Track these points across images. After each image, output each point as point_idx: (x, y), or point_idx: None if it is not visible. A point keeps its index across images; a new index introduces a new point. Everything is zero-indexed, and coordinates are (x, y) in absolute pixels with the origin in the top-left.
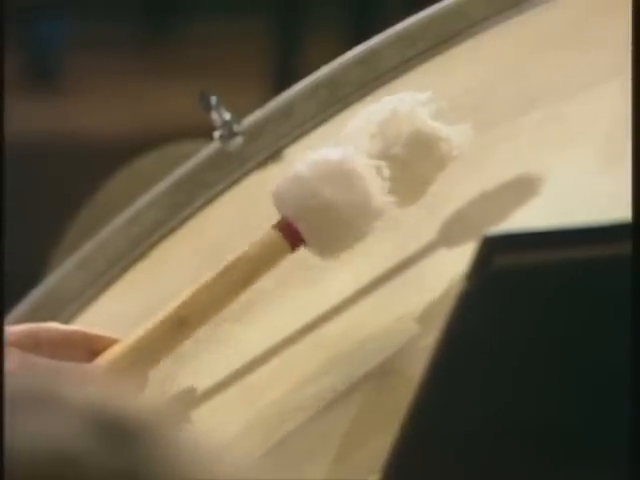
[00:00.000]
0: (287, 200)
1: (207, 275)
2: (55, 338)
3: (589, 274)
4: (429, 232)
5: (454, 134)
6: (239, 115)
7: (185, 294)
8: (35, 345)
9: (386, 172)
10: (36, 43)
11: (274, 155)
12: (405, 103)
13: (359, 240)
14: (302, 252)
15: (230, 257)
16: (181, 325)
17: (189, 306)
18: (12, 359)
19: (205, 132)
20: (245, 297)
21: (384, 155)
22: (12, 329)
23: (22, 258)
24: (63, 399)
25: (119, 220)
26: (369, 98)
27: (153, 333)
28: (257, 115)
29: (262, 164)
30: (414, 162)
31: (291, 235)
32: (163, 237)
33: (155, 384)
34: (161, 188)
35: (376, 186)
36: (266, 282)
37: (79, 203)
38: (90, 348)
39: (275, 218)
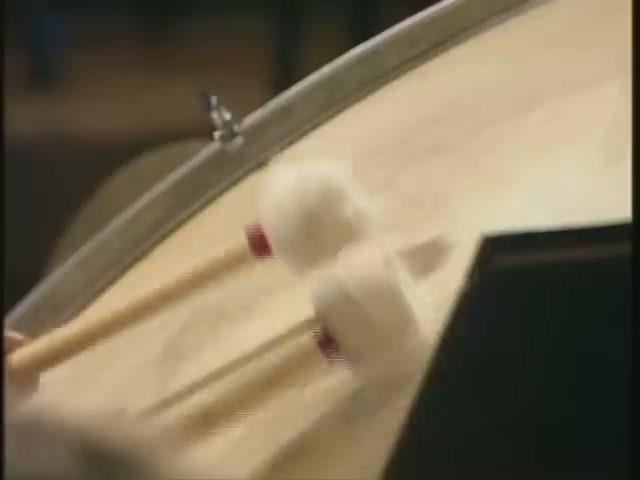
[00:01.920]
0: (331, 315)
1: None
2: None
3: (589, 274)
4: (429, 232)
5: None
6: (239, 115)
7: (211, 386)
8: None
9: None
10: (36, 43)
11: (274, 155)
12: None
13: (398, 356)
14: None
15: (268, 366)
16: (205, 418)
17: (216, 403)
18: None
19: (205, 132)
20: (245, 297)
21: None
22: None
23: (22, 258)
24: (51, 429)
25: (119, 220)
26: (369, 98)
27: (176, 422)
28: (257, 115)
29: (262, 164)
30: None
31: (329, 349)
32: (163, 237)
33: (155, 384)
34: (161, 188)
35: (418, 308)
36: (266, 281)
37: (79, 203)
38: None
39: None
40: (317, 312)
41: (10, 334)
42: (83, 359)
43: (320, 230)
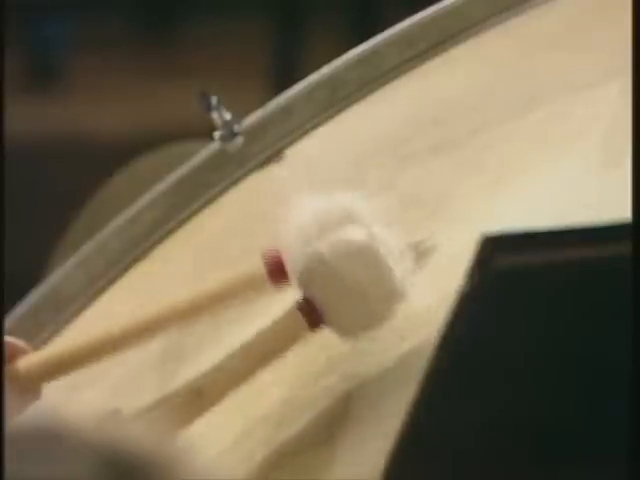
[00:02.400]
0: (311, 281)
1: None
2: None
3: (589, 274)
4: (429, 232)
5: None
6: (239, 115)
7: (204, 368)
8: None
9: (410, 256)
10: (36, 43)
11: (274, 155)
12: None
13: (381, 323)
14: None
15: (255, 340)
16: (197, 397)
17: (206, 380)
18: None
19: (205, 132)
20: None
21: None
22: None
23: (22, 258)
24: (72, 440)
25: (119, 220)
26: (369, 98)
27: (169, 403)
28: (257, 115)
29: (262, 164)
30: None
31: (312, 315)
32: (163, 237)
33: (154, 385)
34: (161, 188)
35: (399, 269)
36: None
37: (79, 203)
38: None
39: (274, 219)
40: (297, 280)
41: (14, 341)
42: None
43: (374, 297)
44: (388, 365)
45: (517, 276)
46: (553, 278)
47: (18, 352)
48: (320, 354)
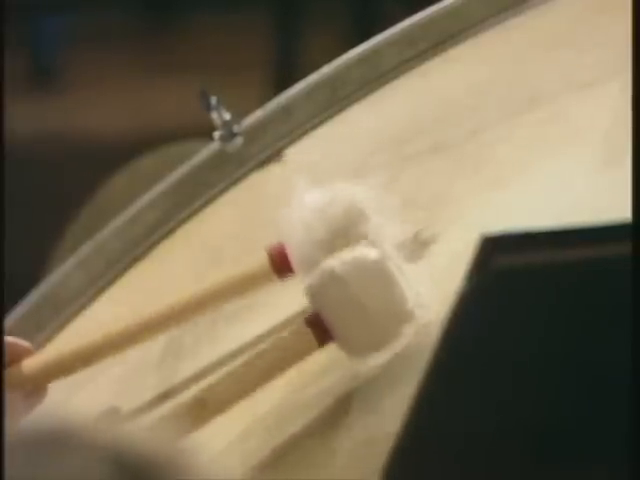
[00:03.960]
0: (322, 297)
1: (234, 363)
2: None
3: (589, 274)
4: (429, 232)
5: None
6: (239, 115)
7: (209, 379)
8: None
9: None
10: (36, 43)
11: (274, 155)
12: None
13: (389, 343)
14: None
15: (260, 347)
16: (201, 407)
17: (210, 390)
18: None
19: (205, 132)
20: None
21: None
22: None
23: (22, 258)
24: (84, 440)
25: (119, 220)
26: (369, 98)
27: (173, 411)
28: (257, 115)
29: (262, 164)
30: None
31: (321, 331)
32: (163, 237)
33: (154, 383)
34: (161, 188)
35: (408, 290)
36: None
37: (79, 203)
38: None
39: (273, 220)
40: (308, 296)
41: (17, 341)
42: None
43: (384, 317)
44: (388, 365)
45: (517, 276)
46: (553, 278)
47: (22, 353)
48: (320, 355)
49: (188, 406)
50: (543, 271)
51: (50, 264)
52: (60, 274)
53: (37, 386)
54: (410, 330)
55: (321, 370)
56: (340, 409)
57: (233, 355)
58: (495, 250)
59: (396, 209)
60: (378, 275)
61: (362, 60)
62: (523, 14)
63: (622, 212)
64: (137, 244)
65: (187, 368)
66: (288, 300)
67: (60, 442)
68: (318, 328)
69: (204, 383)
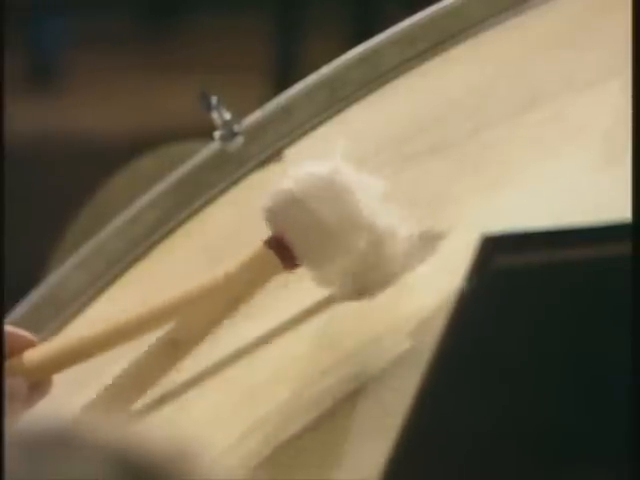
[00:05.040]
0: (279, 217)
1: (197, 293)
2: None
3: (589, 274)
4: (429, 232)
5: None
6: (239, 115)
7: (176, 317)
8: None
9: (379, 184)
10: (36, 43)
11: (274, 155)
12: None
13: (350, 254)
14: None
15: (220, 275)
16: (173, 348)
17: (180, 329)
18: None
19: (205, 132)
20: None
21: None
22: None
23: (22, 258)
24: (88, 441)
25: (119, 220)
26: (369, 98)
27: (146, 358)
28: (257, 115)
29: (262, 164)
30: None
31: (283, 252)
32: (163, 237)
33: (154, 385)
34: (161, 188)
35: (367, 200)
36: None
37: (79, 203)
38: (10, 345)
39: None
40: (266, 218)
41: (19, 332)
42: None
43: (341, 228)
44: (389, 366)
45: (517, 276)
46: (553, 278)
47: (23, 343)
48: (321, 354)
49: (160, 348)
50: (543, 271)
51: (50, 264)
52: (60, 274)
53: (42, 377)
54: (367, 238)
55: (322, 371)
56: (341, 410)
57: (233, 355)
58: (495, 250)
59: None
60: (333, 188)
61: (362, 60)
62: (523, 14)
63: (622, 212)
64: (137, 244)
65: (188, 368)
66: (289, 301)
67: (62, 442)
68: (280, 250)
69: (204, 384)
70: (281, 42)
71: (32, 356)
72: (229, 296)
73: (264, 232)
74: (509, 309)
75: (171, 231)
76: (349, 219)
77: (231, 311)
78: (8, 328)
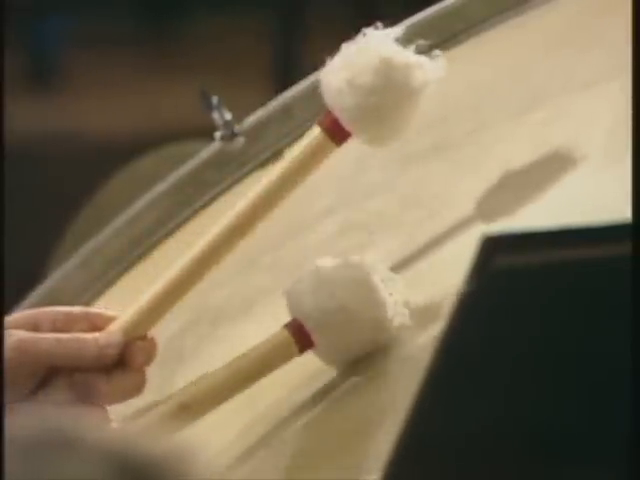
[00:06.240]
0: (302, 303)
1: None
2: (55, 317)
3: (589, 274)
4: (429, 232)
5: (424, 61)
6: (240, 115)
7: (191, 381)
8: (34, 327)
9: (401, 285)
10: (36, 43)
11: (275, 155)
12: (374, 36)
13: (367, 351)
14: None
15: (240, 351)
16: (183, 410)
17: (193, 394)
18: (11, 340)
19: (206, 132)
20: (245, 297)
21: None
22: (11, 317)
23: (22, 258)
24: (86, 442)
25: (119, 220)
26: None
27: (155, 413)
28: (258, 115)
29: (263, 164)
30: (387, 92)
31: (301, 337)
32: (163, 238)
33: (154, 384)
34: (161, 188)
35: (391, 298)
36: (265, 281)
37: (79, 203)
38: (91, 324)
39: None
40: (288, 302)
41: (101, 311)
42: None
43: (363, 324)
44: (388, 365)
45: (517, 276)
46: (553, 278)
47: (106, 321)
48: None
49: (172, 410)
50: (543, 271)
51: (50, 264)
52: (60, 274)
53: (137, 333)
54: (386, 337)
55: (321, 370)
56: (340, 409)
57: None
58: (495, 250)
59: (396, 210)
60: (361, 282)
61: None
62: (524, 14)
63: (622, 212)
64: (137, 244)
65: (188, 369)
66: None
67: (62, 443)
68: (298, 334)
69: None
70: (281, 42)
71: (117, 326)
72: (243, 371)
73: (264, 232)
74: (509, 309)
75: (171, 231)
76: (375, 318)
77: (242, 386)
78: (87, 309)
